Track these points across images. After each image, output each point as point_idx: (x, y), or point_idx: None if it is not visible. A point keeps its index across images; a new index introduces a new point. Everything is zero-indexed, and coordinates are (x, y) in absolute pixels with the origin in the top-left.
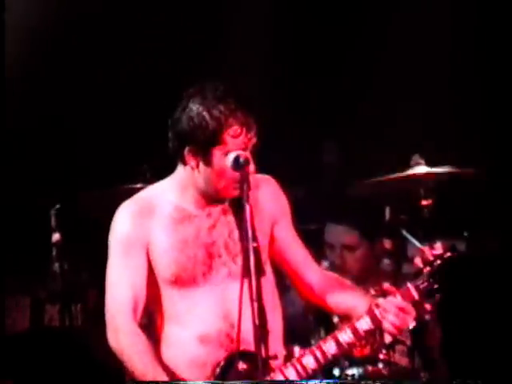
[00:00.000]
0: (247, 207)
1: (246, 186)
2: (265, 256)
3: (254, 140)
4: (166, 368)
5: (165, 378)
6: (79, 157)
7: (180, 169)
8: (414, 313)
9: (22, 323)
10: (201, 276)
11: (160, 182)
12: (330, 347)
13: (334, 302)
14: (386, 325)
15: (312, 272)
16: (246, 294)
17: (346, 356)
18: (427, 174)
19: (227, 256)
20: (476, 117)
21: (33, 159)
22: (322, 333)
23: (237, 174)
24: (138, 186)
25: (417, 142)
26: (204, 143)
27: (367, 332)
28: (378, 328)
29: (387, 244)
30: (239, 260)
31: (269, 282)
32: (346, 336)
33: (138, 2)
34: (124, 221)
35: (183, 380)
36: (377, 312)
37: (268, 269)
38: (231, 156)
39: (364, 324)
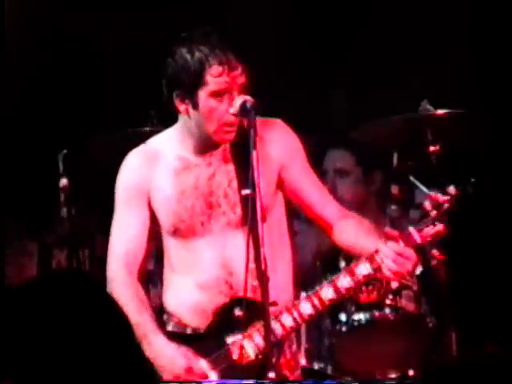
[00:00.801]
0: (254, 154)
1: (253, 133)
2: (267, 203)
3: (241, 80)
4: (154, 317)
5: (150, 321)
6: (87, 103)
7: (179, 117)
8: (414, 258)
9: (30, 269)
10: (199, 226)
11: (166, 130)
12: (327, 293)
13: (350, 242)
14: (385, 270)
15: (330, 213)
16: (245, 242)
17: (352, 301)
18: (433, 116)
19: (226, 205)
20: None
21: (42, 105)
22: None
23: (227, 117)
24: (147, 129)
25: (427, 91)
26: (189, 86)
27: (366, 277)
28: (377, 273)
29: (394, 190)
30: (238, 209)
31: (273, 228)
32: (344, 281)
33: None
34: (127, 171)
35: (185, 326)
36: (377, 257)
37: (273, 216)
38: (238, 101)
39: (363, 269)
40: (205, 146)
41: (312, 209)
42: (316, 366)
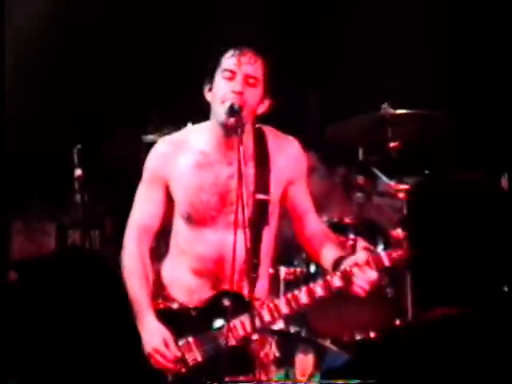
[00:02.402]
0: (241, 150)
1: (240, 131)
2: (273, 208)
3: (249, 68)
4: (156, 289)
5: (146, 299)
6: (97, 103)
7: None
8: (375, 279)
9: (48, 246)
10: (209, 219)
11: (199, 124)
12: (302, 296)
13: (322, 256)
14: (356, 288)
15: (312, 225)
16: (243, 241)
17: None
18: (393, 115)
19: (238, 206)
20: (443, 67)
21: (61, 105)
22: (304, 255)
23: (226, 89)
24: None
25: (388, 92)
26: (211, 71)
27: (337, 288)
28: (347, 287)
29: (360, 180)
30: (247, 211)
31: (270, 231)
32: (319, 290)
33: None
34: (153, 157)
35: (173, 300)
36: (352, 276)
37: (273, 221)
38: (226, 104)
39: (337, 281)
40: (224, 139)
41: (301, 221)
42: (292, 330)
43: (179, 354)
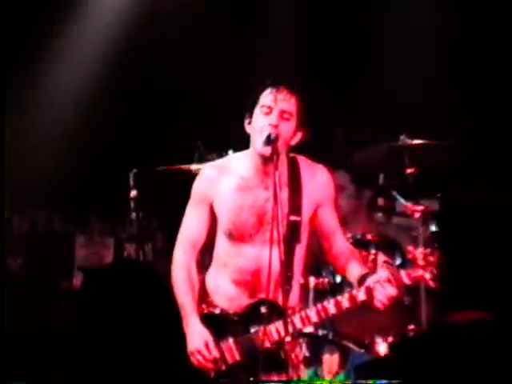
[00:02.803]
0: (276, 175)
1: (276, 159)
2: (304, 228)
3: (284, 104)
4: (200, 296)
5: (191, 304)
6: (155, 134)
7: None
8: (399, 295)
9: (107, 258)
10: (248, 236)
11: (242, 152)
12: (330, 307)
13: (348, 271)
14: (376, 302)
15: (339, 244)
16: (278, 256)
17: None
18: (410, 145)
19: (273, 225)
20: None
21: (123, 135)
22: (331, 267)
23: (266, 128)
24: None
25: (406, 124)
26: (251, 106)
27: (361, 302)
28: (369, 301)
29: (381, 201)
30: (282, 230)
31: (302, 248)
32: (346, 303)
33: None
34: (200, 181)
35: (215, 306)
36: (374, 291)
37: (304, 239)
38: (264, 133)
39: (361, 296)
40: (262, 169)
41: (328, 241)
42: (320, 333)
43: (218, 355)
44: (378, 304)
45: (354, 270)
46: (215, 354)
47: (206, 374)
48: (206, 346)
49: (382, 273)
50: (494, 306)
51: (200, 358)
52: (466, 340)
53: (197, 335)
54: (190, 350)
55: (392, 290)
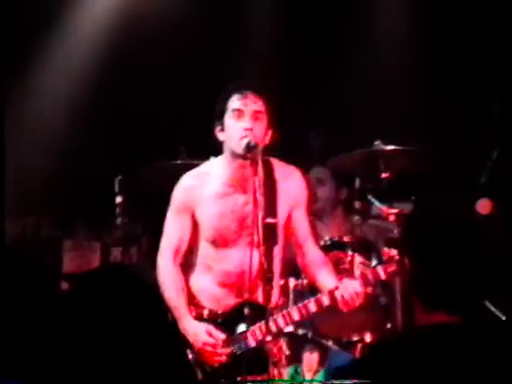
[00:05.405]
0: (257, 181)
1: (255, 163)
2: (280, 230)
3: (253, 107)
4: (188, 298)
5: (184, 306)
6: (136, 138)
7: (223, 147)
8: (361, 293)
9: (94, 261)
10: (231, 241)
11: (217, 157)
12: (311, 306)
13: (318, 281)
14: (341, 305)
15: (311, 253)
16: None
17: None
18: (384, 151)
19: (253, 229)
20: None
21: (107, 142)
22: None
23: (241, 132)
24: (178, 162)
25: (379, 132)
26: (220, 114)
27: (327, 305)
28: (335, 304)
29: (357, 205)
30: (261, 233)
31: (279, 249)
32: (312, 306)
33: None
34: (179, 190)
35: (203, 307)
36: (336, 295)
37: (280, 240)
38: (244, 142)
39: (325, 301)
40: (240, 174)
41: (301, 245)
42: (300, 332)
43: (224, 336)
44: (342, 307)
45: (326, 281)
46: (222, 336)
47: (198, 373)
48: (209, 334)
49: (352, 283)
50: (460, 310)
51: (210, 348)
52: (434, 343)
53: (196, 330)
54: (198, 347)
55: (357, 286)
